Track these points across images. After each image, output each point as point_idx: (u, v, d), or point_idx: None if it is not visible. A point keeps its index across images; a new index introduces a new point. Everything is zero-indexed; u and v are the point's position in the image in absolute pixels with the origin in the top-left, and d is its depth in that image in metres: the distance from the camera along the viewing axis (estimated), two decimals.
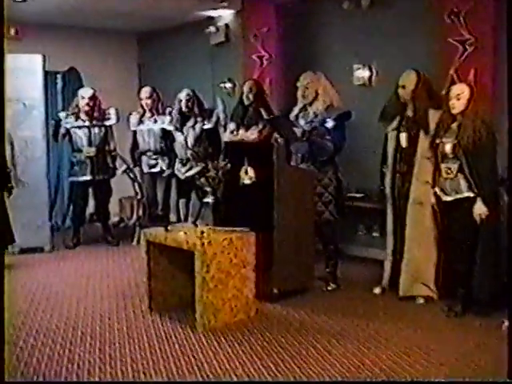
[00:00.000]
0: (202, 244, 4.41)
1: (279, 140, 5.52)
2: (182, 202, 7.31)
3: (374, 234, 6.57)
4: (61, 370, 3.81)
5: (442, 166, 4.70)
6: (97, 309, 5.05)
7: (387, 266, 5.26)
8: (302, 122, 5.47)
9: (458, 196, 4.62)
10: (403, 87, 5.00)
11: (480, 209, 4.46)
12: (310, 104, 5.47)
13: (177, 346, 4.19)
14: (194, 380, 3.65)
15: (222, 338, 4.30)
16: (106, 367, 3.84)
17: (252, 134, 6.06)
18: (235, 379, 3.64)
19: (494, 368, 3.70)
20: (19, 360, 3.97)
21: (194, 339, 4.30)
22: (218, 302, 4.51)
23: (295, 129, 5.46)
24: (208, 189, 4.92)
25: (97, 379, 3.67)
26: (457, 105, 4.58)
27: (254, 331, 4.45)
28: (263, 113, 6.03)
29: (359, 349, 4.07)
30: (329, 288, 5.48)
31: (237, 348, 4.13)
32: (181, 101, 6.91)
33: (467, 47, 5.23)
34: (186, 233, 4.72)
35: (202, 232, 4.59)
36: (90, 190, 7.47)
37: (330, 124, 5.29)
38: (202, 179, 4.92)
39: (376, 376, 3.65)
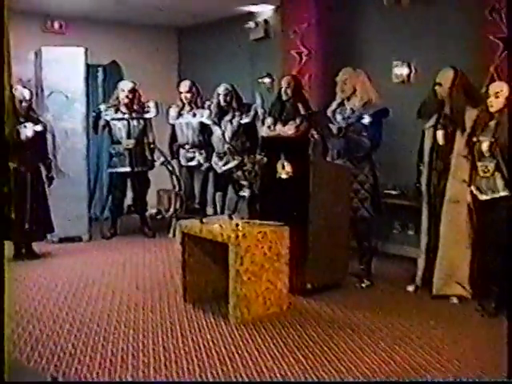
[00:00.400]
0: (237, 236, 4.45)
1: (315, 136, 5.53)
2: (218, 195, 7.36)
3: (410, 232, 6.54)
4: (95, 355, 3.90)
5: (479, 164, 4.66)
6: (132, 298, 5.14)
7: (421, 264, 5.24)
8: (339, 117, 5.47)
9: (495, 195, 4.57)
10: (440, 85, 4.98)
11: None
12: (348, 100, 5.47)
13: (209, 336, 4.25)
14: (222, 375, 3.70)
15: (254, 331, 4.34)
16: (138, 355, 3.92)
17: (289, 129, 6.10)
18: (265, 372, 3.67)
19: None
20: (55, 344, 4.07)
21: (227, 331, 4.36)
22: (251, 295, 4.54)
23: (331, 125, 5.46)
24: (244, 182, 4.96)
25: (130, 366, 3.74)
26: (495, 103, 4.54)
27: (286, 325, 4.48)
28: (300, 108, 6.07)
29: (390, 346, 4.07)
30: (362, 285, 5.47)
31: (268, 341, 4.16)
32: (219, 95, 6.99)
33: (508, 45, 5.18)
34: (220, 225, 4.77)
35: (237, 225, 4.64)
36: (129, 181, 7.58)
37: (366, 120, 5.28)
38: (239, 172, 4.96)
39: (406, 373, 3.65)
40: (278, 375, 3.63)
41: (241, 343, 4.12)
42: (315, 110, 6.10)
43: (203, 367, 3.73)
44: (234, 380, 3.57)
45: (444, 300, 4.99)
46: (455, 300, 4.97)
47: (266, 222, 4.79)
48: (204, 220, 5.01)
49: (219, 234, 4.62)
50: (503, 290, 4.61)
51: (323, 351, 3.98)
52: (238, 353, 3.95)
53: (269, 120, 6.40)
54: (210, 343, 4.12)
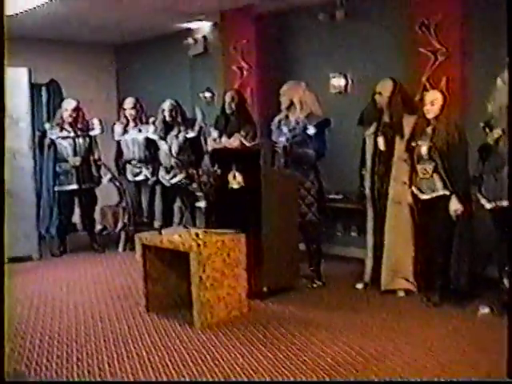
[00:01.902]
0: (198, 245, 4.69)
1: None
2: (177, 206, 7.50)
3: (353, 234, 6.91)
4: (72, 367, 4.03)
5: (418, 166, 5.05)
6: (95, 312, 5.26)
7: (368, 262, 5.58)
8: (284, 129, 5.76)
9: (434, 194, 4.96)
10: (380, 94, 5.31)
11: (455, 205, 4.82)
12: (290, 111, 5.76)
13: (178, 341, 4.45)
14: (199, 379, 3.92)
15: (220, 333, 4.57)
16: (114, 363, 4.07)
17: (234, 142, 6.34)
18: (237, 368, 3.90)
19: (471, 348, 4.11)
20: (29, 360, 4.16)
21: (194, 335, 4.56)
22: (213, 300, 4.77)
23: (276, 145, 5.71)
24: (200, 194, 5.18)
25: (108, 375, 3.90)
26: (431, 110, 4.93)
27: (249, 326, 4.73)
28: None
29: (348, 337, 4.39)
30: (314, 285, 5.78)
31: (235, 341, 4.40)
32: (164, 110, 7.17)
33: (438, 57, 5.61)
34: (180, 235, 4.99)
35: (197, 234, 4.88)
36: (76, 199, 7.67)
37: (311, 131, 5.59)
38: (194, 185, 5.18)
39: (366, 360, 3.96)
40: (249, 370, 3.87)
41: (209, 345, 4.34)
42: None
43: (178, 369, 3.92)
44: (211, 379, 3.79)
45: (392, 294, 5.36)
46: (402, 293, 5.35)
47: (223, 231, 5.04)
48: (162, 231, 5.22)
49: (181, 244, 4.83)
50: (445, 282, 5.02)
51: (288, 346, 4.25)
52: (209, 354, 4.16)
53: (214, 133, 6.64)
54: (181, 347, 4.32)
